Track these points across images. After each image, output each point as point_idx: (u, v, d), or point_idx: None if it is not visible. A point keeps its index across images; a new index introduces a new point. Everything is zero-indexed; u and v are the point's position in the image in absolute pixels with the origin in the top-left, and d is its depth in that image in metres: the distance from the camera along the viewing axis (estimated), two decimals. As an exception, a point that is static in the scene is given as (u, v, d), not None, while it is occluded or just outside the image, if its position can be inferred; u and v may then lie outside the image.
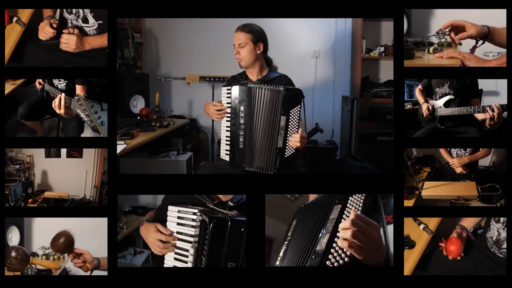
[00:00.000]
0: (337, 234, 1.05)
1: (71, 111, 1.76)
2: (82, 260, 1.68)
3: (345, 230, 0.99)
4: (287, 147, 1.89)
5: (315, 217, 1.25)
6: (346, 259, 1.01)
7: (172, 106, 3.67)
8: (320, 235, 1.12)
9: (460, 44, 1.76)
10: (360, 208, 1.20)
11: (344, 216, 1.16)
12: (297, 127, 1.88)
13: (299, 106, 1.88)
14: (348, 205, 1.20)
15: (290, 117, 1.87)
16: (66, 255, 1.71)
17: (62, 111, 1.72)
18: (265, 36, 2.10)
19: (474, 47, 1.76)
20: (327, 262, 1.01)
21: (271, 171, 1.90)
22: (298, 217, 1.53)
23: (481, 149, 2.10)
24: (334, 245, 1.04)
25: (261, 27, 2.10)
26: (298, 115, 1.88)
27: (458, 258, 1.72)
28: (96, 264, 1.70)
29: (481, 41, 1.73)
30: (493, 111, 1.80)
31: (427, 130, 2.16)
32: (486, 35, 1.70)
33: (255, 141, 1.92)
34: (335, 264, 1.01)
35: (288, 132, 1.87)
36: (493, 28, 1.70)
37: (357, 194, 1.27)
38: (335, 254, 1.03)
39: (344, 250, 1.01)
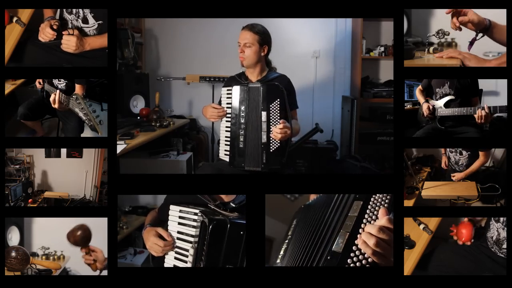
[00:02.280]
0: (358, 235, 0.99)
1: (63, 105, 1.83)
2: (93, 258, 1.67)
3: (371, 236, 0.94)
4: (271, 141, 1.91)
5: (323, 214, 1.21)
6: (367, 266, 0.96)
7: (172, 106, 3.67)
8: (334, 233, 1.06)
9: (460, 29, 1.72)
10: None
11: (366, 215, 1.07)
12: (278, 120, 1.90)
13: (278, 100, 1.91)
14: (371, 203, 1.11)
15: (271, 112, 1.90)
16: (78, 249, 1.69)
17: (56, 106, 1.82)
18: (271, 38, 2.10)
19: (474, 40, 1.74)
20: (345, 265, 0.96)
21: (259, 167, 1.91)
22: (298, 216, 1.53)
23: (479, 157, 2.10)
24: (354, 248, 0.99)
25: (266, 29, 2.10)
26: (278, 109, 1.91)
27: (469, 243, 1.71)
28: (106, 264, 1.69)
29: (480, 34, 1.72)
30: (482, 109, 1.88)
31: (427, 130, 2.16)
32: (487, 28, 1.69)
33: (250, 140, 1.93)
34: (353, 266, 0.96)
35: (270, 127, 1.90)
36: (494, 23, 1.69)
37: (380, 194, 1.15)
38: (354, 258, 0.97)
39: (366, 255, 0.96)
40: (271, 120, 1.90)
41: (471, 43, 1.77)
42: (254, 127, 1.93)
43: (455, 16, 1.70)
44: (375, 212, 1.06)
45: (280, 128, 1.85)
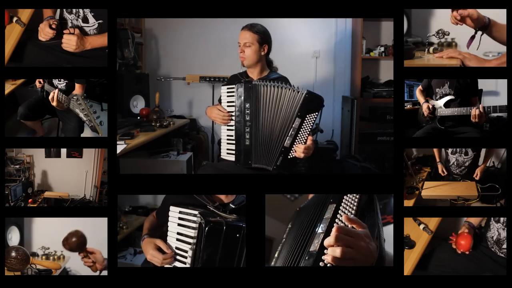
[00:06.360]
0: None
1: (62, 104, 1.83)
2: (92, 260, 1.67)
3: (332, 248, 0.94)
4: (292, 149, 1.87)
5: (309, 217, 1.23)
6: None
7: (172, 106, 3.67)
8: (313, 235, 1.09)
9: (461, 23, 1.70)
10: (354, 208, 1.15)
11: (338, 216, 1.11)
12: (308, 132, 1.85)
13: (316, 113, 1.86)
14: (342, 203, 1.16)
15: (305, 121, 1.84)
16: (76, 253, 1.70)
17: (55, 103, 1.83)
18: (271, 38, 2.10)
19: (473, 37, 1.74)
20: (320, 263, 0.97)
21: (270, 167, 1.90)
22: (293, 219, 1.53)
23: (481, 153, 2.11)
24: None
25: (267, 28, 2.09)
26: (313, 121, 1.86)
27: (467, 252, 1.73)
28: (106, 264, 1.69)
29: (480, 32, 1.71)
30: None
31: (427, 130, 2.16)
32: (486, 25, 1.69)
33: (262, 137, 1.90)
34: (328, 265, 0.97)
35: (299, 135, 1.85)
36: (494, 22, 1.69)
37: (352, 194, 1.21)
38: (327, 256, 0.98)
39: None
40: (301, 129, 1.84)
41: (470, 41, 1.76)
42: (274, 126, 1.87)
43: (455, 9, 1.69)
44: (346, 212, 1.10)
45: (305, 148, 1.81)
